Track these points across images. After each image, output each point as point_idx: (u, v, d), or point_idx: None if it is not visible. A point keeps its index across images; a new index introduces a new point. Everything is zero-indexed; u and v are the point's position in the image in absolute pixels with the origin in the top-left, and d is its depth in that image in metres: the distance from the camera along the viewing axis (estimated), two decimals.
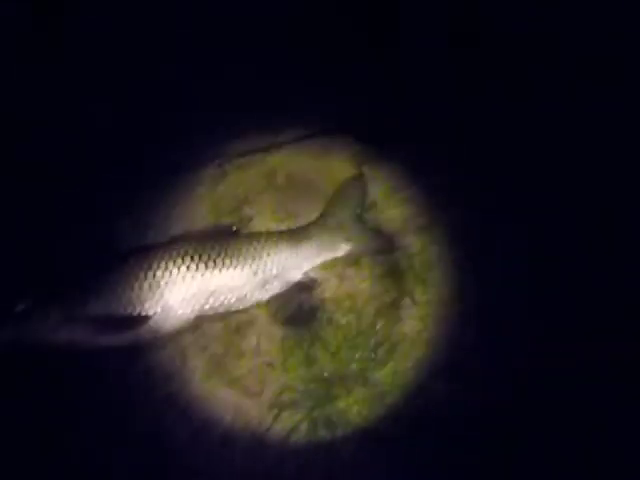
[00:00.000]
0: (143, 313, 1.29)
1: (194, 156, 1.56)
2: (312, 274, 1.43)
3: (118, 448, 1.28)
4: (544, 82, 1.48)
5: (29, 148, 1.45)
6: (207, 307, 1.34)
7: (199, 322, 1.36)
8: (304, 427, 1.34)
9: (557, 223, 1.42)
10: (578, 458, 1.21)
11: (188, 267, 1.33)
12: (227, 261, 1.36)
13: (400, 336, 1.41)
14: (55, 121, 1.46)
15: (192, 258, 1.34)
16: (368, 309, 1.44)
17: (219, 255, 1.36)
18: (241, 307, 1.37)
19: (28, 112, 1.44)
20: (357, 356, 1.40)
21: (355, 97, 1.57)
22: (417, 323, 1.42)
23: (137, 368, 1.35)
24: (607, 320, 1.30)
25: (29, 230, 1.40)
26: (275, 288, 1.40)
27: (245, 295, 1.37)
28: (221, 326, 1.40)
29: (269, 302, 1.40)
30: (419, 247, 1.49)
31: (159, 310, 1.30)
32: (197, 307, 1.33)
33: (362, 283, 1.46)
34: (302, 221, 1.49)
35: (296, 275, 1.42)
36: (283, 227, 1.50)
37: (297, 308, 1.43)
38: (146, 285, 1.30)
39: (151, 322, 1.29)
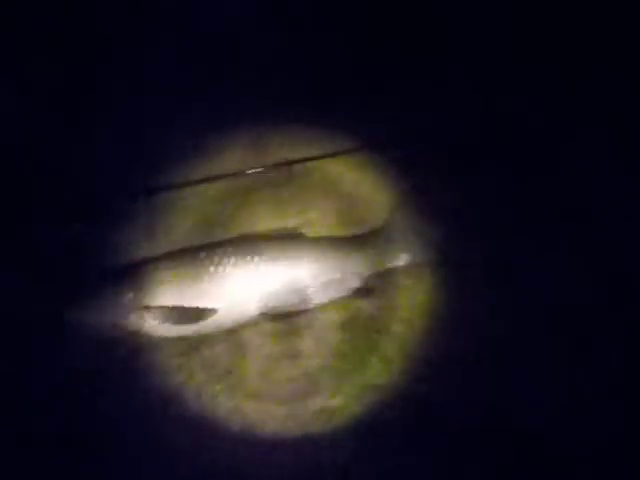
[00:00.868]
0: (210, 306, 1.34)
1: (260, 159, 1.61)
2: (371, 281, 1.45)
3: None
4: None
5: None
6: (269, 305, 1.38)
7: (260, 320, 1.40)
8: (350, 433, 1.34)
9: None
10: None
11: (254, 265, 1.37)
12: (290, 262, 1.40)
13: None
14: None
15: (259, 257, 1.38)
16: (423, 321, 1.44)
17: (284, 256, 1.40)
18: (301, 308, 1.40)
19: None
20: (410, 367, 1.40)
21: (417, 113, 1.62)
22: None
23: (194, 360, 1.39)
24: None
25: None
26: (335, 292, 1.42)
27: (305, 297, 1.40)
28: (280, 325, 1.42)
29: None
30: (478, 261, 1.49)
31: (225, 304, 1.35)
32: (259, 305, 1.37)
33: (419, 294, 1.47)
34: (364, 228, 1.52)
35: (355, 281, 1.44)
36: (346, 232, 1.53)
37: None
38: (215, 279, 1.34)
39: (216, 315, 1.34)
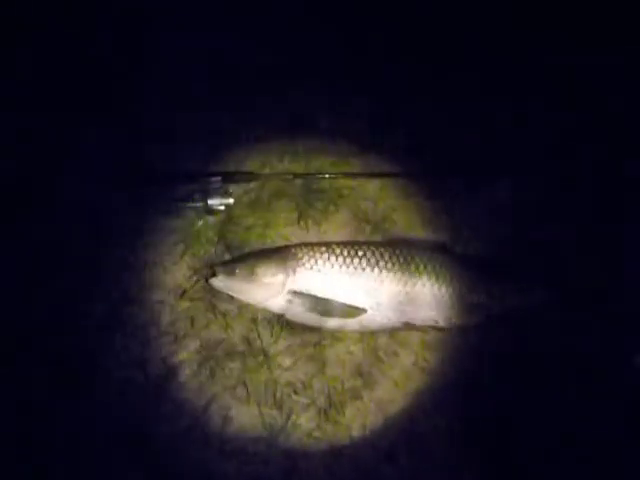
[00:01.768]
0: (361, 305, 1.35)
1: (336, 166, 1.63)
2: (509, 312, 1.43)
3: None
4: None
5: None
6: (410, 316, 1.37)
7: (398, 328, 1.39)
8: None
9: None
10: None
11: (406, 273, 1.37)
12: (438, 276, 1.39)
13: None
14: None
15: (412, 265, 1.38)
16: None
17: (432, 267, 1.39)
18: (440, 324, 1.39)
19: None
20: None
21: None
22: None
23: (328, 352, 1.39)
24: None
25: None
26: (475, 317, 1.41)
27: (444, 314, 1.39)
28: (417, 336, 1.42)
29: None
30: None
31: (374, 306, 1.35)
32: (400, 315, 1.37)
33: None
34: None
35: (497, 308, 1.42)
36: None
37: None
38: (365, 279, 1.35)
39: (365, 315, 1.35)
